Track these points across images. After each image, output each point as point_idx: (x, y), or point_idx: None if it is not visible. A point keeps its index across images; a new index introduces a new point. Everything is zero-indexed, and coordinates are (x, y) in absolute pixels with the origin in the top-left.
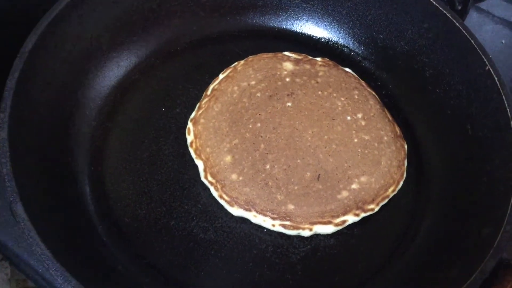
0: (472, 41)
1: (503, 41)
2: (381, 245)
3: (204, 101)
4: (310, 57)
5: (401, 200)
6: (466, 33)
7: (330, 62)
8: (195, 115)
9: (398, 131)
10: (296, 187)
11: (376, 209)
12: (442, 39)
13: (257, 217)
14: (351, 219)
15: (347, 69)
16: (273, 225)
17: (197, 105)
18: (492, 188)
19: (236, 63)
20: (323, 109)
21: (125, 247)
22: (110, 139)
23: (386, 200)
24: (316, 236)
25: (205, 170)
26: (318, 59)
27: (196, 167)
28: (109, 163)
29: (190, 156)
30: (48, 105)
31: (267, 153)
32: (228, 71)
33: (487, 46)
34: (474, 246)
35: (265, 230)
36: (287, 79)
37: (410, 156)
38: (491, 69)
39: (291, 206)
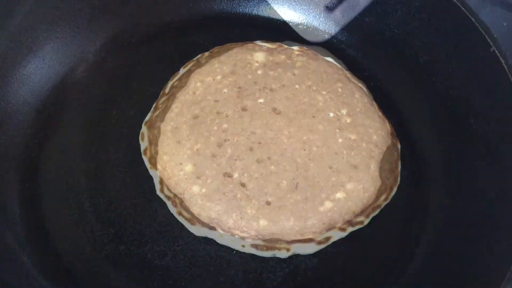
0: (472, 19)
1: (505, 24)
2: (373, 266)
3: (162, 100)
4: (285, 46)
5: (395, 210)
6: (465, 10)
7: (309, 51)
8: (151, 117)
9: (389, 128)
10: (270, 199)
11: (366, 221)
12: (437, 18)
13: (224, 236)
14: (336, 235)
15: (329, 59)
16: (243, 246)
17: (153, 106)
18: (503, 193)
19: (199, 55)
20: (301, 105)
21: (62, 281)
22: (49, 149)
23: (377, 211)
24: (296, 257)
25: (161, 182)
26: (295, 48)
27: (151, 178)
28: (47, 177)
29: (145, 167)
30: None
31: (235, 159)
32: (190, 64)
33: None
34: (487, 266)
35: (234, 252)
36: (259, 72)
37: (404, 157)
38: (496, 51)
39: (264, 222)
